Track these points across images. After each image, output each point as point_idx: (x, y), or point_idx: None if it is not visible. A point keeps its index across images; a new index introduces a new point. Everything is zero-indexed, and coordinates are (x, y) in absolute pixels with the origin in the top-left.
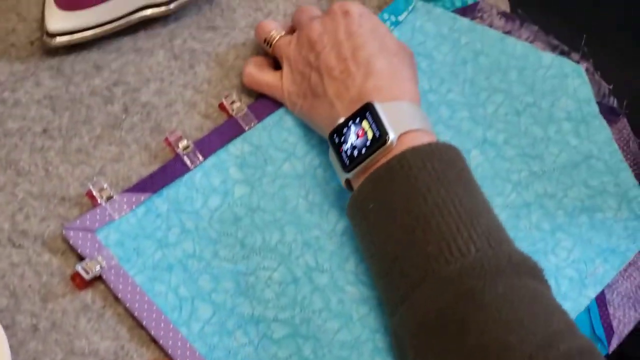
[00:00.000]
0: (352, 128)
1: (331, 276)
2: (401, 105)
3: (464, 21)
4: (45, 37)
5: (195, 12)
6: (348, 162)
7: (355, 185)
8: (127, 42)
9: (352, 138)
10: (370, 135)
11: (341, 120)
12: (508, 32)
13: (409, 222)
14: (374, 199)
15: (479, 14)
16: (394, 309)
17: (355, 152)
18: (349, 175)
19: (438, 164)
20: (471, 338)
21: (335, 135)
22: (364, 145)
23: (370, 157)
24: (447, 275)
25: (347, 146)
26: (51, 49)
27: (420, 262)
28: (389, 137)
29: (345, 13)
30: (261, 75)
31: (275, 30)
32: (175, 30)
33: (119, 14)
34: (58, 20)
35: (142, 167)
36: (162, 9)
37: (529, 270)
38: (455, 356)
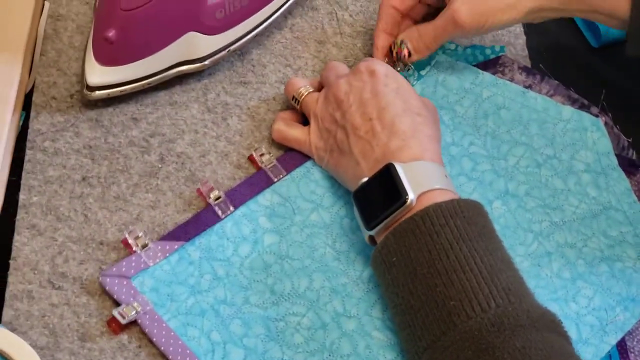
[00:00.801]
0: (375, 188)
1: (359, 322)
2: (422, 165)
3: (486, 75)
4: (84, 90)
5: (227, 68)
6: (370, 219)
7: (378, 239)
8: (163, 96)
9: (375, 197)
10: (391, 195)
11: (364, 180)
12: (529, 86)
13: (431, 277)
14: (397, 253)
15: (501, 68)
16: None
17: (378, 211)
18: (372, 232)
19: (460, 221)
20: None
21: (358, 194)
22: (386, 204)
23: (391, 217)
24: (467, 330)
25: (369, 205)
26: (90, 102)
27: (442, 316)
28: (408, 198)
29: (371, 72)
30: (290, 132)
31: (303, 88)
32: (209, 84)
33: (156, 69)
34: (97, 74)
35: (176, 214)
36: (198, 65)
37: (548, 324)
38: None
